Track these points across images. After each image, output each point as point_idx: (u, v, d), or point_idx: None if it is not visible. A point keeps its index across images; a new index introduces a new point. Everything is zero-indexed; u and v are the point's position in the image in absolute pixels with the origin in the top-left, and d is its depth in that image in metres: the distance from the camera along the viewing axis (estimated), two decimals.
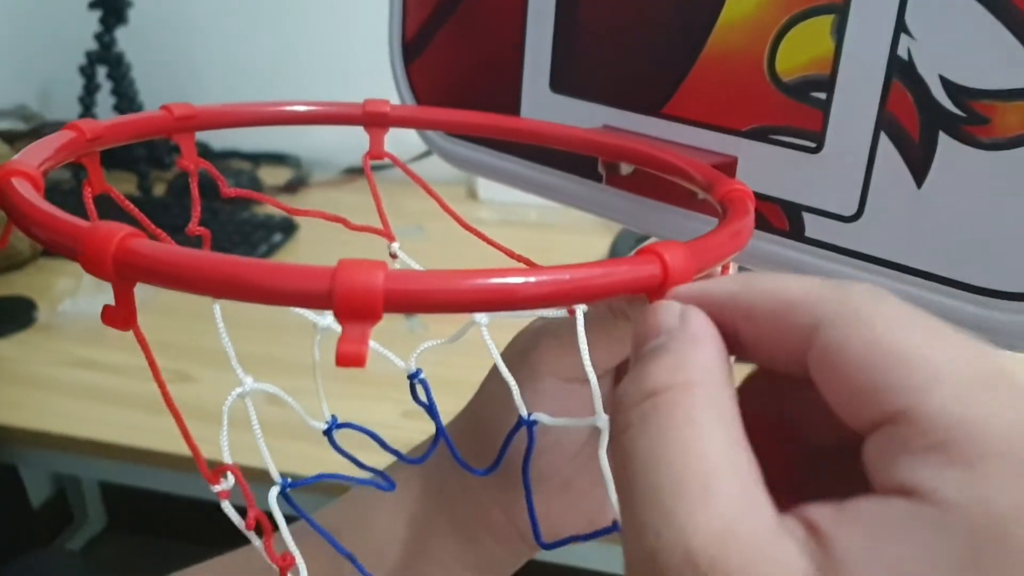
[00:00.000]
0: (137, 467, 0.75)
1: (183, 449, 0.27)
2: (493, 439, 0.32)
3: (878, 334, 0.15)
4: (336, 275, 0.15)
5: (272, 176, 1.31)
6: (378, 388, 0.71)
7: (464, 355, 0.39)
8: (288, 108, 0.29)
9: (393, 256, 0.30)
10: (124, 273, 0.16)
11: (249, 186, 1.22)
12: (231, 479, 0.24)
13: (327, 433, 0.31)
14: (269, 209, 1.20)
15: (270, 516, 0.26)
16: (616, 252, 0.95)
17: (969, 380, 0.15)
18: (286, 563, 0.27)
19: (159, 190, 1.23)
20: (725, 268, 0.24)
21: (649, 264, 0.17)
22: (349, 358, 0.14)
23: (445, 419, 0.33)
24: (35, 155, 0.21)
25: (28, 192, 0.18)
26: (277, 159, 1.37)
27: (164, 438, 0.70)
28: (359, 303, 0.15)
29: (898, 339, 0.15)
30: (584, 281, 0.17)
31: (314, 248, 1.11)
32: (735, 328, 0.18)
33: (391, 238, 0.30)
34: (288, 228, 1.12)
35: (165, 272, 0.15)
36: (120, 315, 0.16)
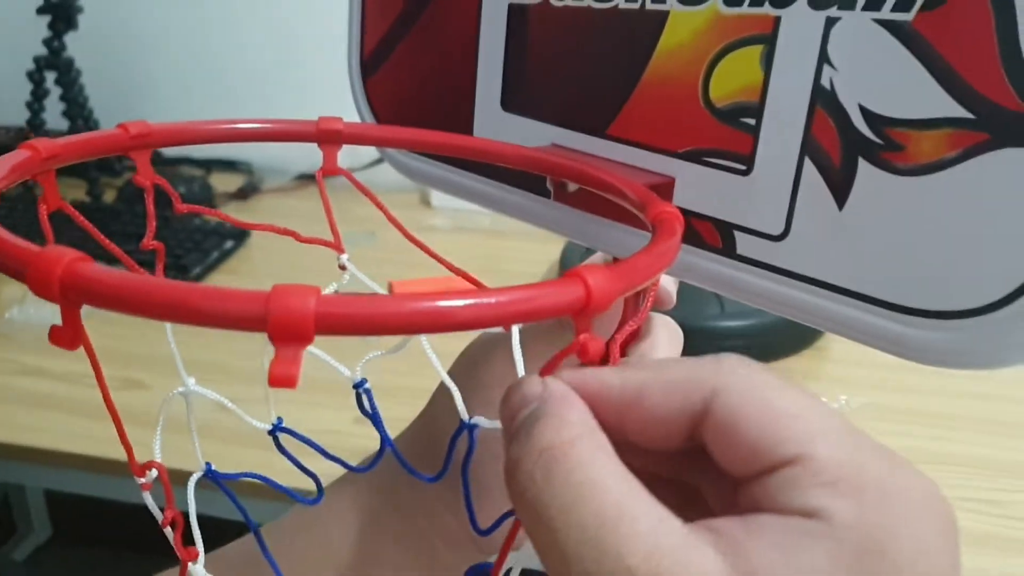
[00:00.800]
0: (83, 475, 0.75)
1: (123, 456, 0.28)
2: (444, 447, 0.33)
3: (769, 398, 0.19)
4: (270, 300, 0.16)
5: (224, 183, 1.31)
6: (330, 395, 0.72)
7: (416, 363, 0.40)
8: (242, 126, 0.30)
9: (342, 268, 0.31)
10: (70, 296, 0.16)
11: (201, 193, 1.22)
12: (154, 473, 0.26)
13: (271, 434, 0.32)
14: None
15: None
16: (566, 259, 0.96)
17: (838, 432, 0.19)
18: (190, 556, 0.29)
19: (109, 196, 1.23)
20: (654, 288, 0.25)
21: (573, 287, 0.18)
22: (280, 380, 0.15)
23: (396, 426, 0.34)
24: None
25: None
26: (229, 165, 1.37)
27: (111, 445, 0.70)
28: (291, 327, 0.16)
29: (782, 401, 0.19)
30: (509, 306, 0.18)
31: (266, 255, 1.12)
32: (620, 418, 0.20)
33: (340, 250, 0.31)
34: (240, 235, 1.13)
35: (110, 296, 0.16)
36: (67, 335, 0.17)
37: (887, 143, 0.25)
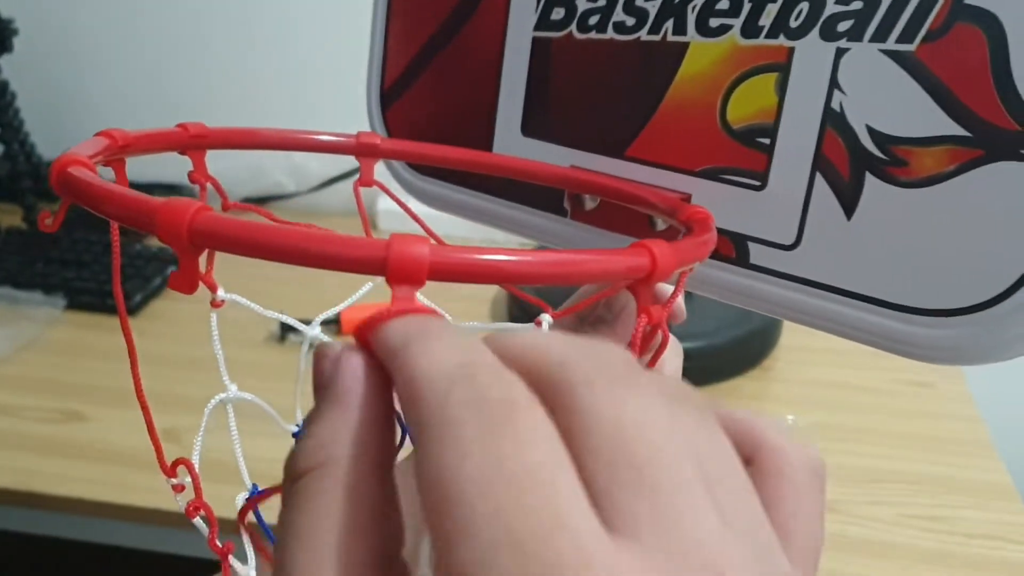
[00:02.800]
0: (25, 512, 0.73)
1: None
2: None
3: None
4: (390, 247, 0.17)
5: None
6: None
7: None
8: (289, 134, 0.32)
9: None
10: (196, 241, 0.18)
11: None
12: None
13: (296, 436, 0.33)
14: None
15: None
16: None
17: None
18: (227, 549, 0.30)
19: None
20: (683, 277, 0.27)
21: (642, 255, 0.20)
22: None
23: None
24: (81, 152, 0.23)
25: (94, 177, 0.20)
26: (169, 190, 1.31)
27: (54, 480, 0.70)
28: (408, 271, 0.17)
29: None
30: (587, 264, 0.20)
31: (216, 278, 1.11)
32: None
33: None
34: None
35: (236, 239, 0.18)
36: (186, 280, 0.18)
37: (892, 159, 0.28)
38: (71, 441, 0.76)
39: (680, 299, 0.36)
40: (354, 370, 0.17)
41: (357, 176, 0.34)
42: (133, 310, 1.01)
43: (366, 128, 0.41)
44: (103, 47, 1.35)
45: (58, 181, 0.21)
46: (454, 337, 0.16)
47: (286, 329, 0.91)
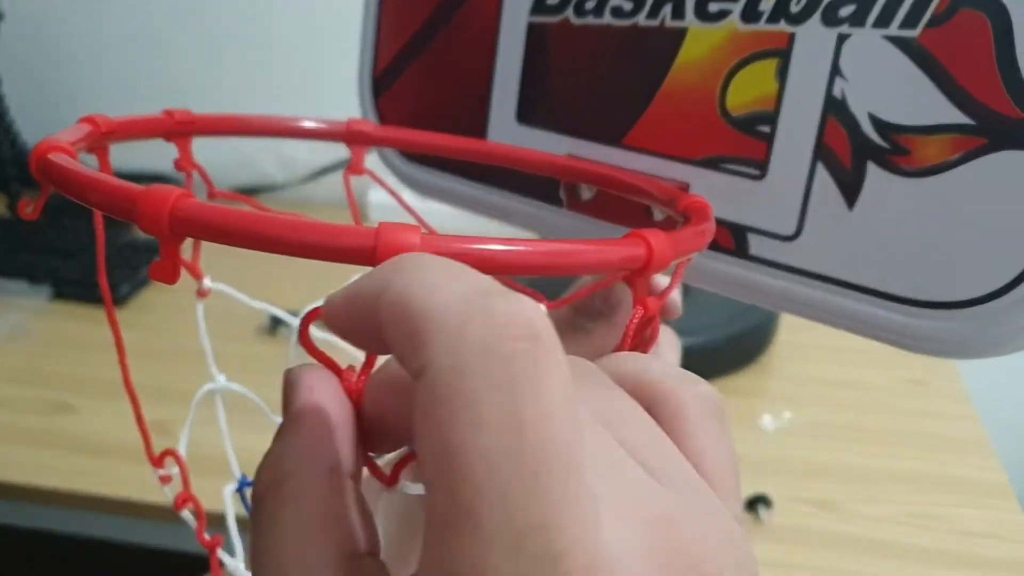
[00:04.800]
0: (11, 504, 0.73)
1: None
2: None
3: None
4: (379, 235, 0.17)
5: None
6: None
7: None
8: (276, 120, 0.31)
9: None
10: (178, 230, 0.17)
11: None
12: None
13: None
14: None
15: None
16: None
17: None
18: (215, 542, 0.29)
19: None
20: (680, 268, 0.26)
21: (637, 245, 0.20)
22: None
23: None
24: (63, 139, 0.22)
25: (75, 164, 0.19)
26: (157, 180, 1.32)
27: (41, 472, 0.69)
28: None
29: None
30: (582, 255, 0.19)
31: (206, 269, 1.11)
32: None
33: None
34: None
35: (218, 227, 0.17)
36: (167, 269, 0.18)
37: (894, 148, 0.27)
38: (59, 433, 0.75)
39: (677, 294, 0.36)
40: (307, 385, 0.17)
41: (347, 166, 0.33)
42: (120, 301, 1.00)
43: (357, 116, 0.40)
44: (90, 32, 1.33)
45: (38, 168, 0.20)
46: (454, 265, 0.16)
47: (277, 322, 0.89)
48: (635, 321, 0.21)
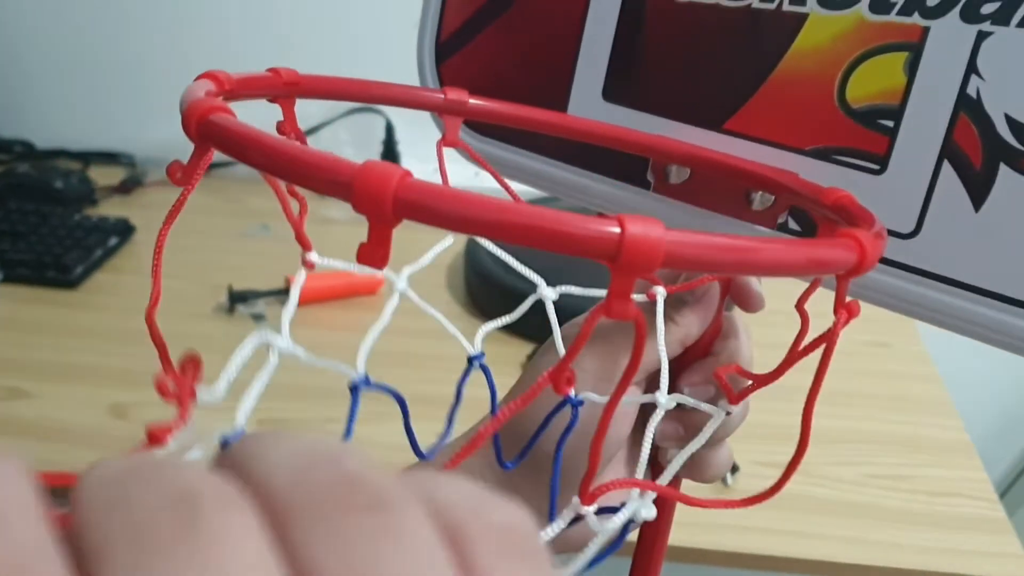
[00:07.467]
0: None
1: None
2: (524, 435, 0.33)
3: None
4: (624, 225, 0.16)
5: (104, 176, 1.25)
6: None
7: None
8: (375, 86, 0.29)
9: (308, 265, 0.25)
10: (401, 212, 0.16)
11: (80, 187, 1.16)
12: None
13: (353, 389, 0.29)
14: (103, 210, 1.15)
15: None
16: (470, 251, 0.95)
17: None
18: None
19: None
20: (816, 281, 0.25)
21: (851, 248, 0.19)
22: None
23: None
24: (203, 96, 0.20)
25: (266, 134, 0.18)
26: (109, 158, 1.30)
27: None
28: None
29: None
30: (792, 253, 0.18)
31: (152, 250, 1.07)
32: None
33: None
34: (124, 231, 1.07)
35: (446, 213, 0.16)
36: (378, 254, 0.16)
37: None
38: (14, 419, 0.73)
39: (757, 286, 0.35)
40: None
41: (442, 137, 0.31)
42: (74, 283, 0.97)
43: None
44: (42, 20, 1.28)
45: (204, 132, 0.18)
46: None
47: (235, 300, 0.87)
48: (839, 326, 0.20)
